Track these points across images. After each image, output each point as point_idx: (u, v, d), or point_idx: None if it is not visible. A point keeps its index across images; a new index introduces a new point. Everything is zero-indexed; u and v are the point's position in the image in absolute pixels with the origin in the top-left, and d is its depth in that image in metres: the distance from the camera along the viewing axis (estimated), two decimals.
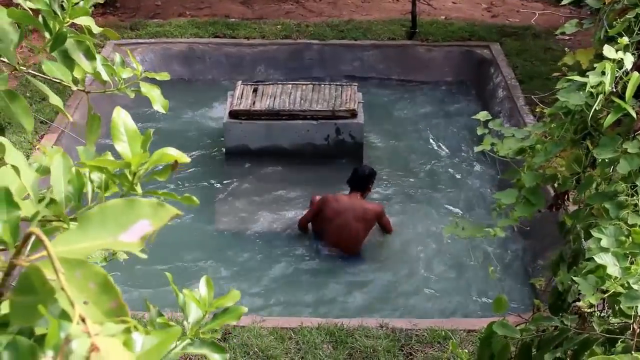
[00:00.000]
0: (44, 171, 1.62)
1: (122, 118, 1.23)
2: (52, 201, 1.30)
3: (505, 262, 6.52)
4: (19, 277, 0.87)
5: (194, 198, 1.26)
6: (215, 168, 7.82)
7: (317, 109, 7.78)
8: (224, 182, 7.59)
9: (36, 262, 0.88)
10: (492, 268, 5.69)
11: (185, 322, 1.45)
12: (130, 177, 1.23)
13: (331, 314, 5.79)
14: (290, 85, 8.15)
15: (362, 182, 6.78)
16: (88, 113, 1.77)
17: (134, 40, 9.55)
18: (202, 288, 1.47)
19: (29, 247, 0.93)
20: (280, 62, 9.64)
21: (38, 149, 6.91)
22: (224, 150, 7.93)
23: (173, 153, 1.19)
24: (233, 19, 10.40)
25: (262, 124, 7.77)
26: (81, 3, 1.58)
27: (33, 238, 0.92)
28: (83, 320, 0.80)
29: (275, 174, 7.73)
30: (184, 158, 1.20)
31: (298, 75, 9.16)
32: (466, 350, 3.16)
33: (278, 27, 10.09)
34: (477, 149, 3.00)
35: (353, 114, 7.78)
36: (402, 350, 4.96)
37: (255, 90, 8.07)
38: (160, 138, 8.21)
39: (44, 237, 0.87)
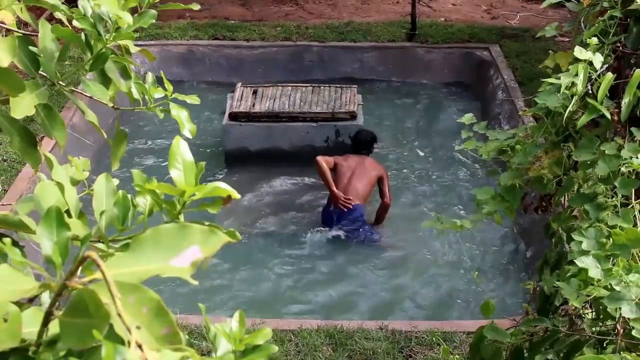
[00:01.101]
0: (72, 182, 1.64)
1: (180, 148, 1.24)
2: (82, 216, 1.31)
3: (506, 264, 6.52)
4: (72, 299, 0.86)
5: (237, 233, 1.26)
6: (214, 170, 7.82)
7: (316, 111, 7.78)
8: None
9: (90, 285, 0.87)
10: (476, 273, 5.70)
11: (213, 354, 1.45)
12: (178, 206, 1.24)
13: (331, 315, 5.80)
14: (289, 87, 8.15)
15: (367, 145, 7.24)
16: (115, 129, 1.78)
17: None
18: (234, 323, 1.46)
19: (80, 269, 0.93)
20: (279, 64, 9.64)
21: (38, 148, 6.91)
22: (223, 152, 7.94)
23: (225, 188, 1.20)
24: (233, 21, 10.41)
25: (262, 126, 7.77)
26: (125, 27, 1.59)
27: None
28: (139, 346, 0.80)
29: (275, 176, 7.73)
30: (235, 194, 1.20)
31: (298, 77, 9.16)
32: (457, 357, 3.16)
33: (278, 29, 10.10)
34: (457, 147, 3.04)
35: (353, 115, 7.77)
36: (402, 352, 4.96)
37: (254, 92, 8.07)
38: (161, 140, 8.22)
39: (100, 262, 0.86)
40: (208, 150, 8.11)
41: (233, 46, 9.76)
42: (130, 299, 0.85)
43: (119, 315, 0.82)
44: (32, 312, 0.96)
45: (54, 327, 0.92)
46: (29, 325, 0.93)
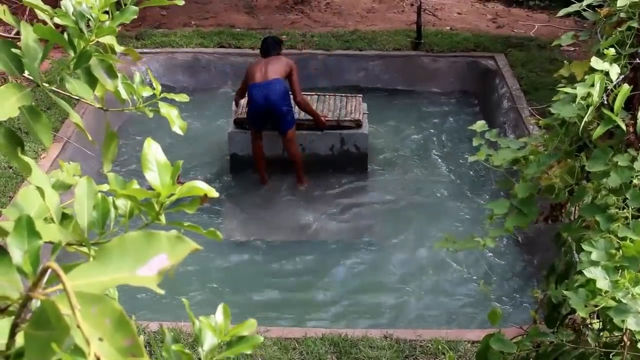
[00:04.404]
0: (61, 187, 1.62)
1: (152, 149, 1.24)
2: (74, 222, 1.30)
3: (512, 273, 6.50)
4: (35, 310, 0.86)
5: (218, 233, 1.25)
6: (219, 177, 7.83)
7: None
8: (228, 190, 7.60)
9: (53, 296, 0.86)
10: (482, 281, 5.67)
11: (200, 349, 1.45)
12: (157, 207, 1.23)
13: (335, 324, 5.79)
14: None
15: (274, 47, 7.59)
16: (105, 131, 1.77)
17: (139, 50, 9.56)
18: (219, 316, 1.46)
19: (46, 279, 0.91)
20: None
21: (43, 157, 6.93)
22: (228, 159, 7.94)
23: (202, 187, 1.19)
24: (238, 29, 10.43)
25: (267, 134, 7.76)
26: (107, 22, 1.58)
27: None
28: (98, 358, 0.79)
29: (280, 184, 7.73)
30: (213, 192, 1.19)
31: (303, 85, 9.12)
32: None
33: (283, 37, 10.10)
34: (470, 158, 3.01)
35: (358, 124, 7.78)
36: None
37: None
38: (165, 147, 8.22)
39: (61, 272, 0.85)
40: (213, 158, 8.12)
41: (238, 54, 9.77)
42: (93, 310, 0.84)
43: (79, 327, 0.81)
44: (3, 323, 0.94)
45: (21, 339, 0.90)
46: (0, 336, 0.92)
